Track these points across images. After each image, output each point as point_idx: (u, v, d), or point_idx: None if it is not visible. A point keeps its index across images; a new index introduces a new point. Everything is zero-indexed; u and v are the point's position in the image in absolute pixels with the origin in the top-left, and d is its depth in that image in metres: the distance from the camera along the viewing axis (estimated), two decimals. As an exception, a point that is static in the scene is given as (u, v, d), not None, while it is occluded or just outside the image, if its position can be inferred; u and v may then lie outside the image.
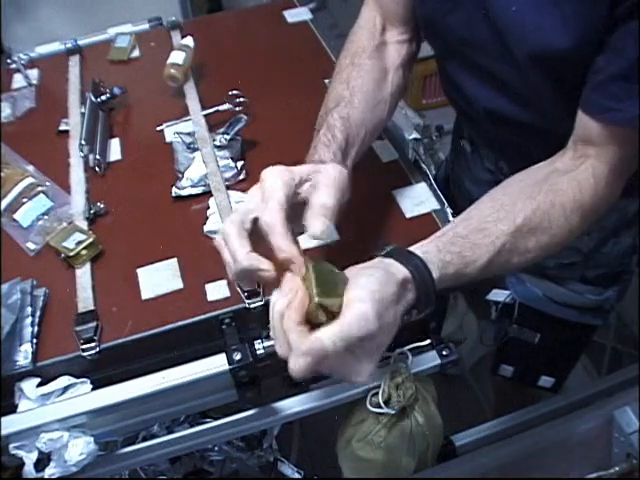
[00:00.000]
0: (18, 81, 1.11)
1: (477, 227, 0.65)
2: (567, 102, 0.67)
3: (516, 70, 0.70)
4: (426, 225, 0.81)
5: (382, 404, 0.75)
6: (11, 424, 0.67)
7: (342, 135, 0.70)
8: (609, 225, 0.89)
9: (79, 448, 0.68)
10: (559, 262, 0.93)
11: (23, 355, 0.70)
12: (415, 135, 0.91)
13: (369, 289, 0.53)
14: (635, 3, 0.55)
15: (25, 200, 0.85)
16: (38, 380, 0.70)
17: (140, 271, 0.78)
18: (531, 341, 1.01)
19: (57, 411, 0.68)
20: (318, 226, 0.56)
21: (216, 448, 1.03)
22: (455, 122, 1.03)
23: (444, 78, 0.88)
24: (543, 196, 0.65)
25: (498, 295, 1.01)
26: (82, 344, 0.71)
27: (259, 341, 0.75)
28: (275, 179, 0.58)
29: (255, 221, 0.57)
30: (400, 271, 0.58)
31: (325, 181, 0.60)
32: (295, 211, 0.60)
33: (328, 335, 0.51)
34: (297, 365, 0.51)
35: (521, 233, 0.64)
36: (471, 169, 0.99)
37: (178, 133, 0.94)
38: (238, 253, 0.55)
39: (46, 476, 0.68)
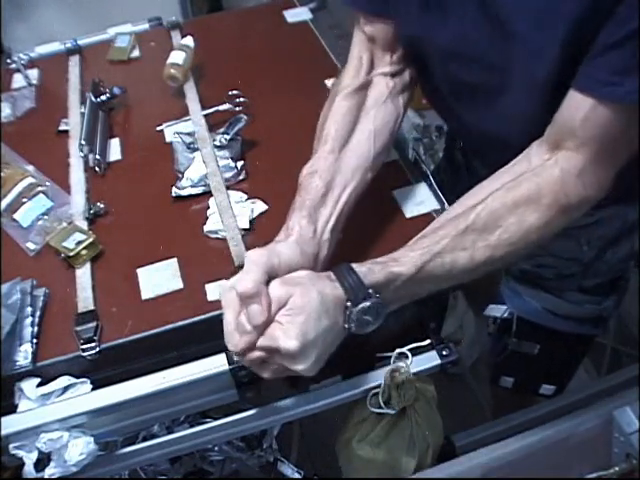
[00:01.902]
0: (18, 81, 1.11)
1: (421, 236, 0.67)
2: None
3: (512, 78, 0.68)
4: (426, 225, 0.81)
5: (382, 404, 0.75)
6: (11, 424, 0.67)
7: (307, 194, 0.70)
8: (609, 234, 0.88)
9: (79, 448, 0.68)
10: (559, 273, 0.92)
11: (23, 355, 0.70)
12: (415, 135, 0.91)
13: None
14: None
15: (25, 200, 0.85)
16: (38, 380, 0.70)
17: (140, 271, 0.78)
18: (531, 352, 1.01)
19: (57, 411, 0.68)
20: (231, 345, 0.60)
21: (216, 448, 1.03)
22: (448, 132, 1.03)
23: (432, 100, 0.87)
24: (493, 197, 0.64)
25: (495, 310, 1.01)
26: (82, 344, 0.71)
27: (259, 341, 0.75)
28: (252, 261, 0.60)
29: None
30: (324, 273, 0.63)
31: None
32: None
33: None
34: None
35: (464, 234, 0.64)
36: (465, 179, 0.98)
37: (178, 133, 0.94)
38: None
39: (46, 476, 0.68)
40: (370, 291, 0.60)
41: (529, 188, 0.64)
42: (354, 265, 0.62)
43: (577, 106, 0.61)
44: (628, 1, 0.54)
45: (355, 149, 0.75)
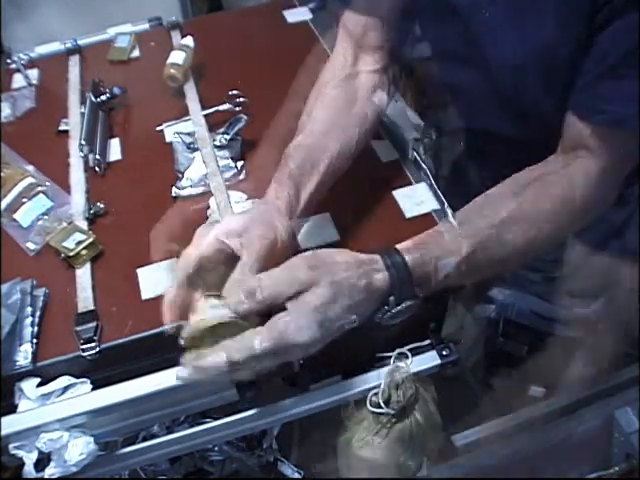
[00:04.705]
0: (18, 81, 1.11)
1: (460, 222, 0.65)
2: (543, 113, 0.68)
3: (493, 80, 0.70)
4: (426, 225, 0.81)
5: (382, 404, 0.75)
6: (11, 424, 0.67)
7: (294, 163, 0.69)
8: (596, 238, 0.88)
9: (79, 448, 0.68)
10: (546, 276, 0.92)
11: (23, 355, 0.70)
12: (415, 135, 0.91)
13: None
14: (617, 7, 0.56)
15: (25, 200, 0.85)
16: (38, 380, 0.70)
17: (140, 271, 0.78)
18: (519, 353, 1.01)
19: (57, 411, 0.68)
20: (233, 299, 0.55)
21: (216, 448, 1.03)
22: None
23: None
24: (530, 190, 0.65)
25: (483, 310, 1.01)
26: (82, 344, 0.71)
27: (259, 341, 0.74)
28: (200, 238, 0.59)
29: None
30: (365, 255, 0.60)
31: (250, 249, 0.58)
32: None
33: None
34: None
35: (506, 226, 0.63)
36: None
37: (178, 133, 0.94)
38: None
39: (46, 476, 0.68)
40: (416, 290, 0.59)
41: (562, 187, 0.65)
42: (407, 254, 0.60)
43: (576, 125, 0.64)
44: (607, 30, 0.58)
45: (342, 134, 0.75)
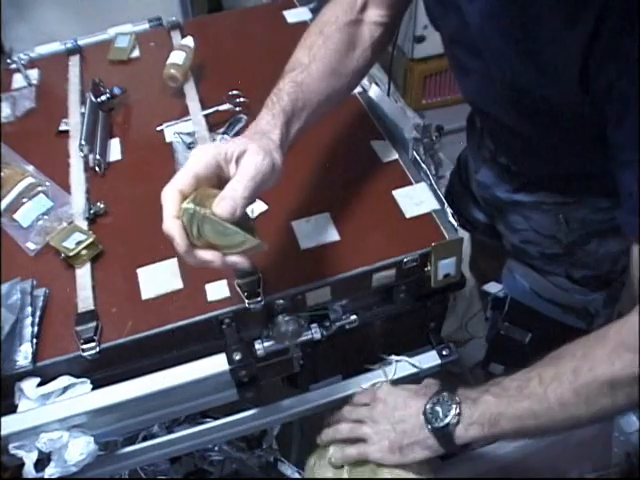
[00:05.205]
0: (18, 81, 1.11)
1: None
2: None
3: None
4: (426, 225, 0.81)
5: None
6: (11, 424, 0.67)
7: (289, 97, 0.69)
8: (592, 222, 0.87)
9: (79, 448, 0.68)
10: (542, 252, 0.93)
11: (23, 355, 0.70)
12: (415, 135, 0.91)
13: None
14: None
15: (25, 200, 0.85)
16: (38, 380, 0.70)
17: (140, 271, 0.78)
18: (521, 340, 1.01)
19: (57, 411, 0.68)
20: (222, 208, 0.56)
21: (216, 448, 1.03)
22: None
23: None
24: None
25: (492, 287, 1.02)
26: (82, 344, 0.71)
27: (259, 341, 0.75)
28: (198, 156, 0.59)
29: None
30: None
31: (243, 169, 0.59)
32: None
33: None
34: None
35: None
36: (483, 140, 0.98)
37: (178, 133, 0.94)
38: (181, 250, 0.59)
39: (46, 476, 0.68)
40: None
41: None
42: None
43: None
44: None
45: (336, 79, 0.76)
